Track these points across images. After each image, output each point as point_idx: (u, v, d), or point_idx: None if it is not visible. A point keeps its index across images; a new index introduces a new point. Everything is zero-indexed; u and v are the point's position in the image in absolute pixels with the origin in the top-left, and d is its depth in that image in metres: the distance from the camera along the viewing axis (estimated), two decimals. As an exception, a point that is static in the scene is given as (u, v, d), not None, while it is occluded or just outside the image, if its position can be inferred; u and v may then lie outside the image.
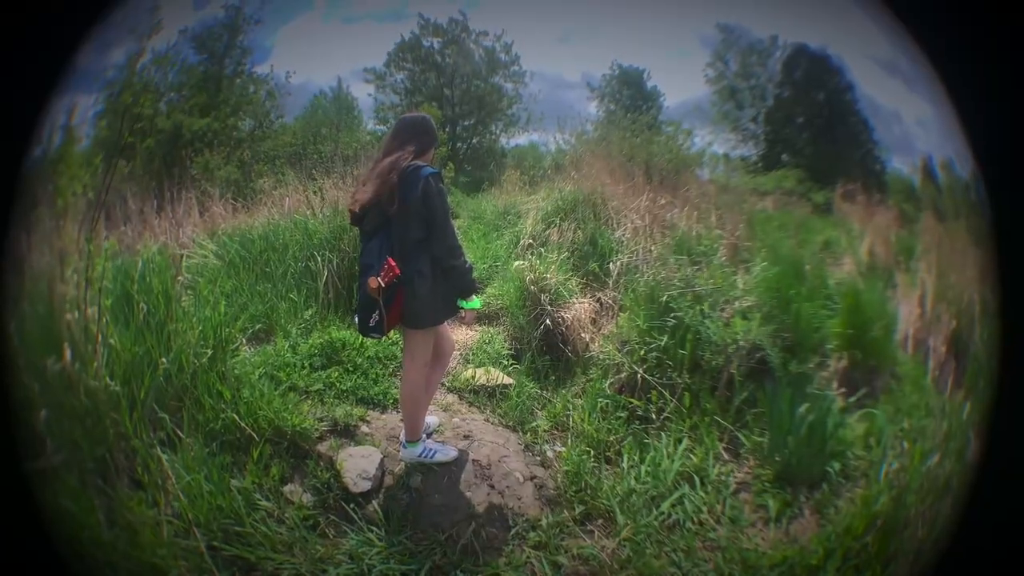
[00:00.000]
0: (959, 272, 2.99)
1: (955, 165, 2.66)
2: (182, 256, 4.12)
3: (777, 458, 3.16)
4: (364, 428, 3.44)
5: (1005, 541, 1.66)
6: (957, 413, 2.39)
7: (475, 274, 3.00)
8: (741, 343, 3.61)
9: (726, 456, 3.33)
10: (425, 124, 2.99)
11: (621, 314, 4.59)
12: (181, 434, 2.79)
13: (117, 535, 2.22)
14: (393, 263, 2.76)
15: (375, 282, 2.74)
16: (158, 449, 2.64)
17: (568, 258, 5.29)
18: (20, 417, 1.94)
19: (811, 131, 6.61)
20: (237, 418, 3.01)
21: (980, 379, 2.19)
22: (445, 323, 3.15)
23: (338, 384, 3.74)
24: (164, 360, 2.88)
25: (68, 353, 2.30)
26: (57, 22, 1.83)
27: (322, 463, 3.10)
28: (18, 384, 2.01)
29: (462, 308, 3.01)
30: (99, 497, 2.25)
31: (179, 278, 3.38)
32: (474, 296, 2.99)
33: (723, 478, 3.14)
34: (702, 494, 3.04)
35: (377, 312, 2.80)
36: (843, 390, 3.39)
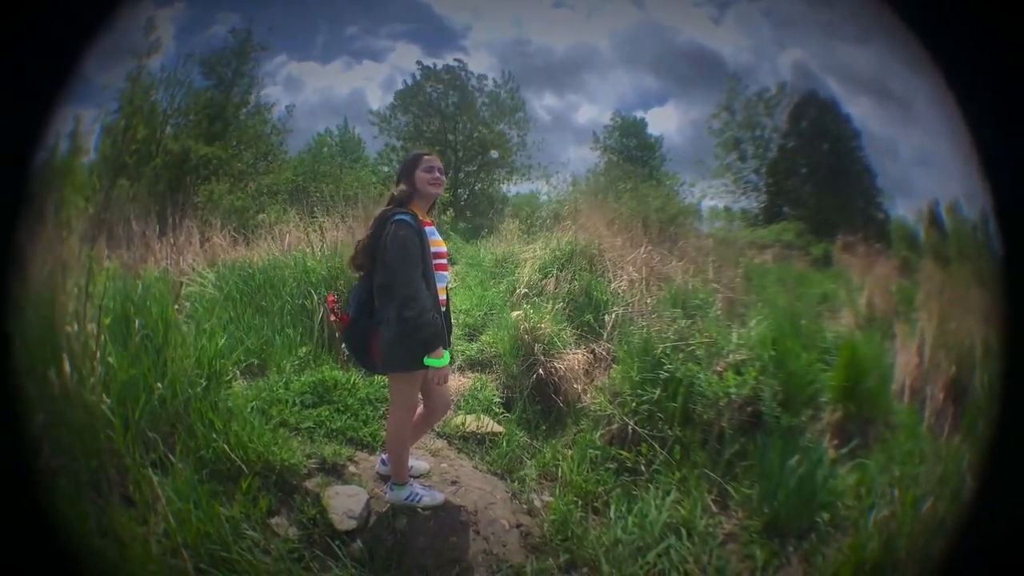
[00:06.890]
0: (961, 317, 3.03)
1: (962, 207, 2.70)
2: (182, 284, 4.15)
3: (766, 510, 3.16)
4: (352, 468, 3.42)
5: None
6: (953, 456, 2.41)
7: (433, 329, 2.70)
8: (733, 397, 3.63)
9: (714, 508, 3.32)
10: (406, 161, 3.04)
11: (614, 366, 4.59)
12: (173, 458, 2.78)
13: (108, 545, 2.21)
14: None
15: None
16: (149, 470, 2.63)
17: (563, 308, 5.31)
18: (19, 417, 1.94)
19: (814, 181, 6.67)
20: (228, 449, 3.00)
21: (979, 420, 2.20)
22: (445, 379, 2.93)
23: (328, 423, 3.71)
24: (159, 385, 2.89)
25: (67, 365, 2.31)
26: (62, 25, 1.83)
27: (309, 499, 3.07)
28: (18, 385, 2.02)
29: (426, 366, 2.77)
30: (92, 507, 2.24)
31: (177, 306, 3.41)
32: (439, 352, 2.74)
33: (711, 529, 3.13)
34: (689, 545, 3.02)
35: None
36: (835, 442, 3.41)
